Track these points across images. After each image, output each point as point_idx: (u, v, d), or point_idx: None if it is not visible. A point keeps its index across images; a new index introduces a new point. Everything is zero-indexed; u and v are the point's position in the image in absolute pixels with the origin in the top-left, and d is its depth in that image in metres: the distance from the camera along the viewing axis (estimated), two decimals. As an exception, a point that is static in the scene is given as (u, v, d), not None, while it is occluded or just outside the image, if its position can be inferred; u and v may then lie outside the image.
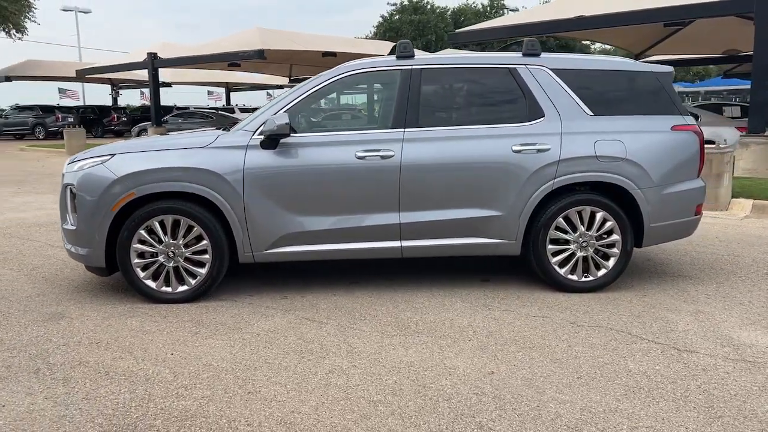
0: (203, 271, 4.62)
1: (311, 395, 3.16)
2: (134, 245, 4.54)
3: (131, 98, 51.51)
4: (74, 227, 4.63)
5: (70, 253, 4.79)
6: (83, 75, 26.89)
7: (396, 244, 4.72)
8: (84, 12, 44.79)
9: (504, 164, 4.67)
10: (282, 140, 4.59)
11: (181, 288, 4.64)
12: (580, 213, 4.76)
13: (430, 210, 4.69)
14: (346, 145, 4.66)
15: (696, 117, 13.17)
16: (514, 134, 4.73)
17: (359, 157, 4.61)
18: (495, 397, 3.12)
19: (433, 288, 4.96)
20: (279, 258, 4.70)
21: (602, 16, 11.73)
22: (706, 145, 9.35)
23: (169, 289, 4.63)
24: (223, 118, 23.11)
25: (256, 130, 4.62)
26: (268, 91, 40.30)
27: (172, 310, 4.46)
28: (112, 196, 4.49)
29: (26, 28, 29.80)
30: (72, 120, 29.62)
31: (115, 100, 38.03)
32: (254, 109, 20.11)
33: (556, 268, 4.79)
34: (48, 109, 31.45)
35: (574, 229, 4.77)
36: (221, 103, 40.90)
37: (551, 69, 4.86)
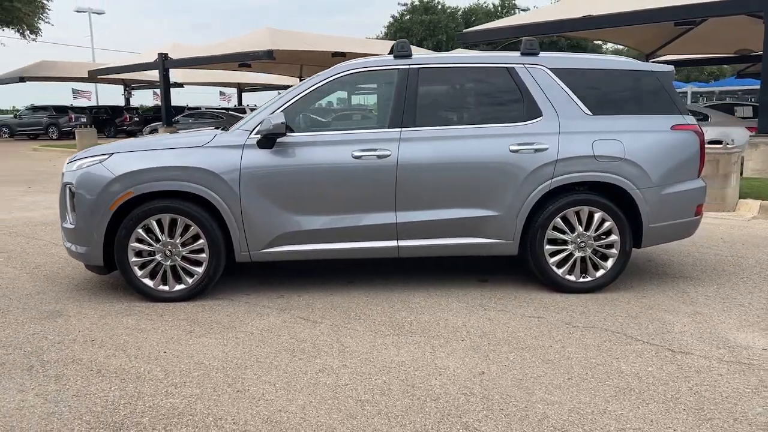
0: (200, 269, 4.64)
1: (299, 394, 3.16)
2: (132, 244, 4.57)
3: (144, 98, 51.93)
4: (73, 226, 4.67)
5: (69, 252, 4.83)
6: (95, 76, 27.11)
7: (393, 243, 4.71)
8: (97, 13, 45.18)
9: (501, 164, 4.65)
10: (279, 139, 4.60)
11: (178, 287, 4.66)
12: (578, 213, 4.73)
13: (426, 210, 4.68)
14: (343, 144, 4.66)
15: (706, 117, 13.07)
16: (511, 134, 4.71)
17: (356, 157, 4.61)
18: (483, 398, 3.10)
19: (431, 288, 4.94)
20: (275, 257, 4.71)
21: (609, 15, 11.66)
22: (713, 145, 9.28)
23: (166, 288, 4.65)
24: (233, 119, 23.20)
25: (253, 129, 4.64)
26: (279, 91, 40.34)
27: (169, 309, 4.48)
28: (110, 194, 4.52)
29: (40, 29, 30.13)
30: (85, 120, 29.92)
31: (127, 100, 38.30)
32: (264, 110, 20.09)
33: (554, 268, 4.77)
34: (61, 110, 31.77)
35: (572, 229, 4.74)
36: (233, 103, 41.08)
37: (549, 68, 4.83)
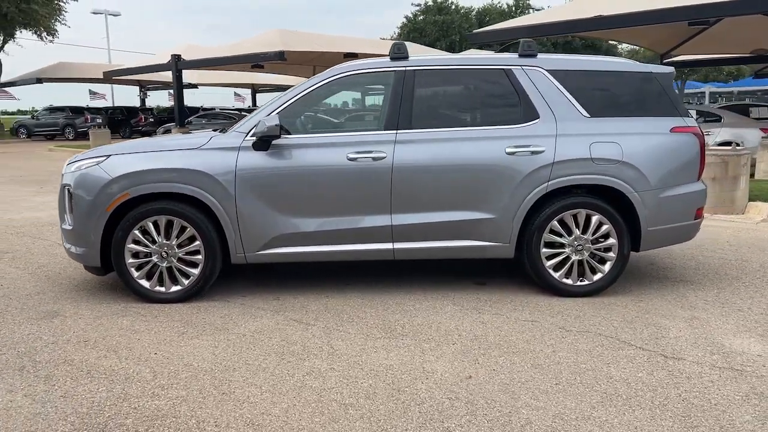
0: (196, 271, 4.66)
1: (284, 397, 3.16)
2: (128, 245, 4.60)
3: (161, 99, 52.39)
4: (71, 227, 4.71)
5: (68, 253, 4.87)
6: (110, 77, 27.35)
7: (388, 246, 4.70)
8: (113, 15, 45.58)
9: (497, 166, 4.62)
10: (274, 142, 4.60)
11: (174, 288, 4.68)
12: (575, 216, 4.68)
13: (422, 212, 4.67)
14: (338, 146, 4.66)
15: (719, 118, 12.91)
16: (508, 136, 4.68)
17: (351, 159, 4.60)
18: (468, 402, 3.08)
19: (427, 291, 4.93)
20: (271, 259, 4.72)
21: (620, 15, 11.52)
22: (722, 147, 9.16)
23: (162, 289, 4.68)
24: (244, 119, 23.28)
25: (249, 131, 4.65)
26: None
27: (164, 310, 4.51)
28: (107, 196, 4.56)
29: (56, 31, 30.53)
30: (100, 121, 30.21)
31: (143, 101, 38.63)
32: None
33: (551, 271, 4.73)
34: (78, 111, 32.11)
35: (569, 232, 4.70)
36: (248, 104, 41.30)
37: (547, 70, 4.79)
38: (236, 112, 27.75)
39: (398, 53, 4.84)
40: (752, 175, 10.06)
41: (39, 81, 32.63)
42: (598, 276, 4.74)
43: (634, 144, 4.68)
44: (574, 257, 4.72)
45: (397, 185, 4.61)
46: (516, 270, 5.37)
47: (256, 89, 40.09)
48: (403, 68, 4.80)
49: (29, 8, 27.65)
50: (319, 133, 4.92)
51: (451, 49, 38.14)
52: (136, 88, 38.39)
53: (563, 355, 3.65)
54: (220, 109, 31.32)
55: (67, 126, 31.11)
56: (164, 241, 4.62)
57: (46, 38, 30.48)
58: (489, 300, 4.69)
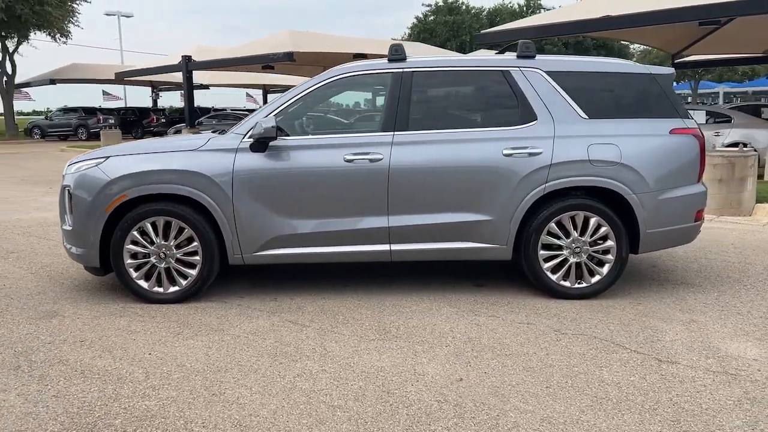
0: (194, 272, 4.69)
1: (273, 399, 3.17)
2: (127, 246, 4.64)
3: (173, 100, 52.72)
4: (71, 227, 4.75)
5: (68, 253, 4.92)
6: (121, 77, 27.55)
7: (385, 247, 4.70)
8: (126, 16, 46.00)
9: (494, 168, 4.61)
10: (271, 143, 4.62)
11: (172, 288, 4.71)
12: (573, 218, 4.66)
13: (419, 213, 4.66)
14: (335, 148, 4.67)
15: (729, 118, 12.78)
16: (505, 138, 4.66)
17: (348, 160, 4.61)
18: (456, 405, 3.08)
19: (424, 292, 4.92)
20: (268, 260, 4.73)
21: (628, 15, 11.45)
22: (729, 149, 9.07)
23: (160, 290, 4.71)
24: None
25: (246, 133, 4.67)
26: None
27: (162, 311, 4.54)
28: (106, 197, 4.59)
29: (70, 32, 30.82)
30: (112, 121, 30.44)
31: (155, 101, 38.90)
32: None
33: (548, 273, 4.71)
34: (90, 111, 32.37)
35: (567, 234, 4.67)
36: (259, 105, 41.43)
37: (545, 71, 4.77)
38: (247, 112, 27.81)
39: (396, 55, 4.84)
40: (761, 177, 9.95)
41: (53, 82, 32.96)
42: (596, 278, 4.71)
43: (633, 146, 4.64)
44: (572, 259, 4.69)
45: (394, 187, 4.61)
46: (515, 272, 5.35)
47: (267, 90, 40.21)
48: (401, 70, 4.80)
49: (43, 10, 27.96)
50: (316, 135, 4.92)
51: (462, 49, 38.05)
52: (149, 89, 38.68)
53: (556, 358, 3.64)
54: (231, 110, 31.48)
55: (80, 126, 31.36)
56: (162, 242, 4.65)
57: (60, 39, 30.80)
58: (486, 302, 4.68)
